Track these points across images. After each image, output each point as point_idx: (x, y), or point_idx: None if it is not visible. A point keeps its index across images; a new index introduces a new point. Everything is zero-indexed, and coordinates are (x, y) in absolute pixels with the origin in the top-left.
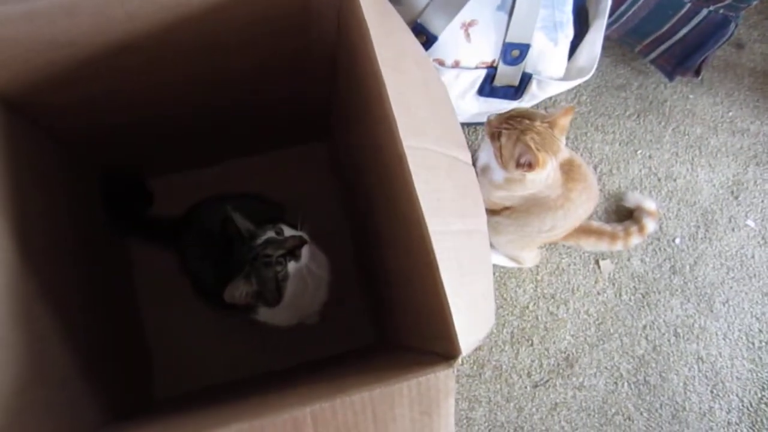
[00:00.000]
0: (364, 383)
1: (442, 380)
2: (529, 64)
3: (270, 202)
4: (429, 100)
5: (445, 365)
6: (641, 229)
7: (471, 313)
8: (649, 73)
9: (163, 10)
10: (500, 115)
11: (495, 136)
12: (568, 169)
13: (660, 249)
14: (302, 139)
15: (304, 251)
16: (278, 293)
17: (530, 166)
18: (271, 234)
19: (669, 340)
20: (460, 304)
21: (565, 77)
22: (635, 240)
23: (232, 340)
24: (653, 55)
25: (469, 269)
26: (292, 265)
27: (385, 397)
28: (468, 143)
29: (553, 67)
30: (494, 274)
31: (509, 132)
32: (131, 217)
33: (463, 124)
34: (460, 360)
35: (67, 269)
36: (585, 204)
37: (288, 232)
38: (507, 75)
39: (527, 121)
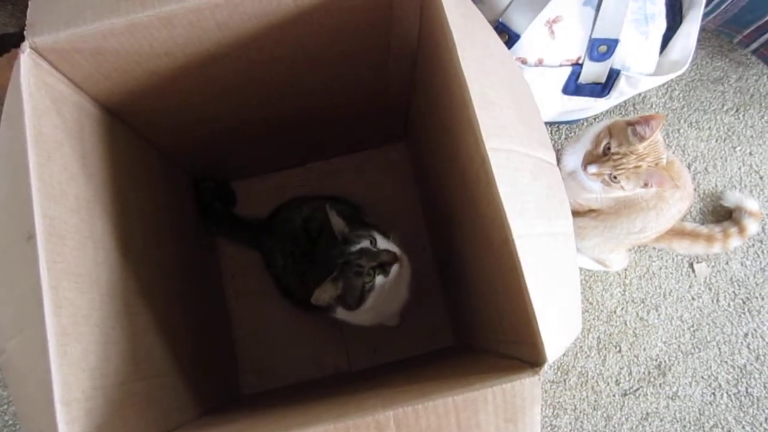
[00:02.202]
0: (447, 388)
1: (528, 388)
2: (617, 59)
3: (349, 203)
4: (513, 100)
5: (531, 372)
6: (742, 231)
7: (557, 318)
8: (749, 65)
9: (251, 19)
10: (593, 160)
11: (610, 181)
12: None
13: (763, 252)
14: (381, 141)
15: (394, 269)
16: (360, 301)
17: (659, 184)
18: (366, 243)
19: None
20: (545, 309)
21: (657, 72)
22: (735, 242)
23: (315, 339)
24: (755, 45)
25: (554, 273)
26: (379, 279)
27: (469, 403)
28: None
29: (644, 61)
30: (579, 277)
31: (626, 173)
32: (217, 217)
33: (546, 123)
34: (545, 367)
35: (160, 269)
36: (679, 203)
37: (381, 243)
38: (593, 72)
39: (627, 150)
